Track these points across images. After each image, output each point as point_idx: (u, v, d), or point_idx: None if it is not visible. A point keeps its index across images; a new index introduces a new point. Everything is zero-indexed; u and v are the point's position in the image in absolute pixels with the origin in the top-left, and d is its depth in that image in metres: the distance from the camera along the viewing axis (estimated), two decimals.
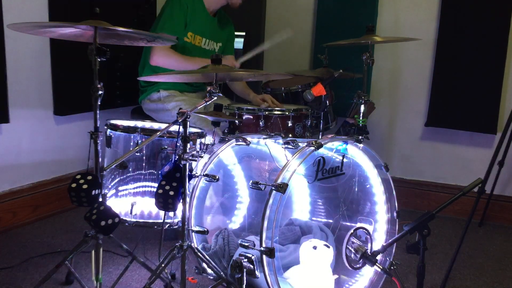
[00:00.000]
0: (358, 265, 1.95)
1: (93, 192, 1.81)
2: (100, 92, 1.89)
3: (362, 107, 2.63)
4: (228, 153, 2.27)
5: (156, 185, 1.99)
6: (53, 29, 2.02)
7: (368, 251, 1.92)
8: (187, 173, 1.87)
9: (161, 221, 2.14)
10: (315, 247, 2.06)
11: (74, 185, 1.80)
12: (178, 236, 1.95)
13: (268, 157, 2.16)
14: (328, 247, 2.06)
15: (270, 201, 1.82)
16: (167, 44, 2.41)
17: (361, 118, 2.64)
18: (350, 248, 1.94)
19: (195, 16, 2.88)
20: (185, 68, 2.76)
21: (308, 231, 2.30)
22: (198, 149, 2.24)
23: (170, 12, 2.83)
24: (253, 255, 1.82)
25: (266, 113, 2.45)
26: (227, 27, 3.15)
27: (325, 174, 2.04)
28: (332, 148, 2.07)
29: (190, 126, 1.92)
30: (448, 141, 3.43)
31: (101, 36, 1.94)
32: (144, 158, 2.23)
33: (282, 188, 1.80)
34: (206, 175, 2.09)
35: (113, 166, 2.16)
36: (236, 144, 2.21)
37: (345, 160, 2.11)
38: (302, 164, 1.89)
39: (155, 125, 2.47)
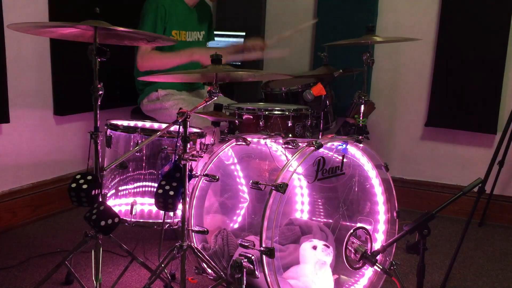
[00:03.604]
0: (358, 265, 1.95)
1: (93, 192, 1.81)
2: (100, 92, 1.90)
3: (362, 107, 2.63)
4: (228, 153, 2.27)
5: (156, 185, 1.99)
6: (53, 29, 2.02)
7: (368, 251, 1.92)
8: (187, 173, 1.87)
9: (161, 221, 2.13)
10: (315, 247, 2.06)
11: (74, 185, 1.80)
12: (178, 236, 1.95)
13: (268, 157, 2.16)
14: (328, 247, 2.06)
15: (270, 201, 1.82)
16: (167, 44, 2.41)
17: (361, 118, 2.64)
18: (350, 248, 1.94)
19: (176, 14, 2.89)
20: (172, 65, 2.79)
21: (308, 231, 2.30)
22: (198, 149, 2.24)
23: (147, 19, 2.83)
24: (253, 255, 1.82)
25: (266, 113, 2.45)
26: (206, 14, 3.16)
27: (325, 174, 2.04)
28: (332, 148, 2.07)
29: (190, 126, 1.92)
30: (448, 141, 3.43)
31: (101, 36, 1.94)
32: (144, 158, 2.23)
33: (282, 188, 1.80)
34: (206, 175, 2.09)
35: (113, 166, 2.16)
36: (236, 144, 2.20)
37: (345, 160, 2.11)
38: (302, 164, 1.89)
39: (155, 125, 2.47)
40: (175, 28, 2.90)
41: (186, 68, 3.00)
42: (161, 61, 2.81)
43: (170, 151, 2.17)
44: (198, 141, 2.29)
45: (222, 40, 3.57)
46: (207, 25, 3.17)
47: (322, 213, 2.43)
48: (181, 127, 1.85)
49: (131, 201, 2.22)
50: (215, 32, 3.37)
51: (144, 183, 2.24)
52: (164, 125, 2.28)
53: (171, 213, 2.18)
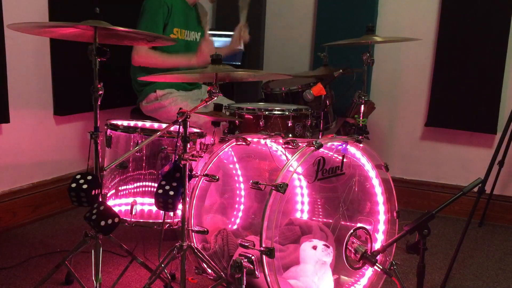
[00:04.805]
0: (358, 265, 1.95)
1: (93, 192, 1.81)
2: (100, 92, 1.90)
3: (362, 107, 2.63)
4: (228, 153, 2.27)
5: (156, 185, 1.99)
6: (53, 29, 2.02)
7: (368, 251, 1.92)
8: (187, 173, 1.87)
9: (161, 221, 2.13)
10: (315, 247, 2.06)
11: (74, 185, 1.80)
12: (178, 236, 1.95)
13: (268, 157, 2.16)
14: (328, 247, 2.06)
15: (270, 201, 1.82)
16: (167, 44, 2.42)
17: (361, 118, 2.64)
18: (350, 248, 1.94)
19: (177, 12, 2.90)
20: (167, 65, 2.80)
21: (308, 231, 2.30)
22: (198, 149, 2.24)
23: (147, 16, 2.83)
24: (253, 255, 1.82)
25: (266, 113, 2.45)
26: (203, 15, 3.16)
27: (325, 174, 2.04)
28: (332, 148, 2.07)
29: (190, 126, 1.92)
30: (448, 141, 3.43)
31: (101, 36, 1.94)
32: (144, 158, 2.23)
33: (282, 188, 1.80)
34: (206, 175, 2.09)
35: (113, 166, 2.16)
36: (236, 144, 2.21)
37: (345, 160, 2.11)
38: (302, 164, 1.89)
39: (155, 125, 2.47)
40: (176, 26, 2.90)
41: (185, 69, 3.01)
42: (157, 60, 2.82)
43: (170, 151, 2.17)
44: (198, 141, 2.29)
45: (222, 40, 3.57)
46: (203, 25, 3.17)
47: (322, 213, 2.43)
48: (181, 127, 1.85)
49: (131, 201, 2.22)
50: (215, 32, 3.36)
51: (144, 183, 2.24)
52: (164, 125, 2.28)
53: (171, 213, 2.18)
